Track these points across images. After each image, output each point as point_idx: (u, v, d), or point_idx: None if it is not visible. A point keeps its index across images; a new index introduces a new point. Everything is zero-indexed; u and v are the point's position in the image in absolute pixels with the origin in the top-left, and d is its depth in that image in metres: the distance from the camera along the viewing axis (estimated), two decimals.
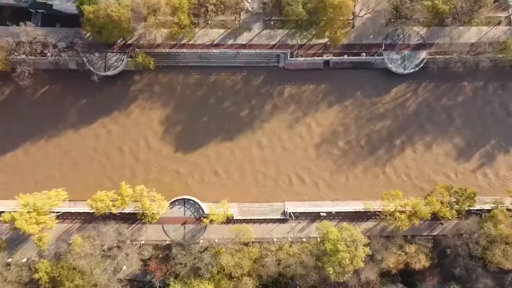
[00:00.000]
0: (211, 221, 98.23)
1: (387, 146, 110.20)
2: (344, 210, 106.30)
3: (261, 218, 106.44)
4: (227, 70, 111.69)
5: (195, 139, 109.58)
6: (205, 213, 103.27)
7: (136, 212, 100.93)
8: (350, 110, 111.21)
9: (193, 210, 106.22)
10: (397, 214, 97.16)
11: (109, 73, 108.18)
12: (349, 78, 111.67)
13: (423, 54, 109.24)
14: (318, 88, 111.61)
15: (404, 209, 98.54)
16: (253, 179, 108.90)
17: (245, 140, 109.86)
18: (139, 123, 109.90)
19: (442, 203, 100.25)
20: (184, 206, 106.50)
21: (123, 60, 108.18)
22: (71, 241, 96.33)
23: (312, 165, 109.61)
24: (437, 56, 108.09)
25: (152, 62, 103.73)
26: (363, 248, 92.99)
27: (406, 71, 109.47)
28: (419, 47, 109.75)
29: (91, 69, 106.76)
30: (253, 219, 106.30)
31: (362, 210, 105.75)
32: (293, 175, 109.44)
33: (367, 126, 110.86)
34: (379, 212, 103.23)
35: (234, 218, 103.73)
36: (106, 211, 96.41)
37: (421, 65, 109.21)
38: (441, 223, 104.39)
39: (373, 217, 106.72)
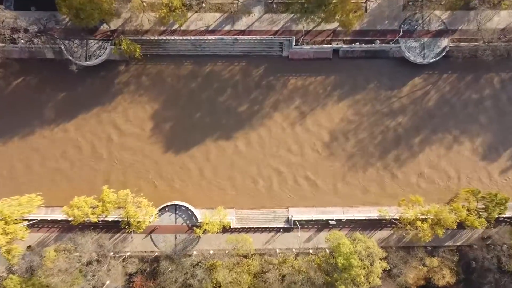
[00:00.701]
0: (204, 231, 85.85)
1: (404, 146, 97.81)
2: (356, 218, 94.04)
3: (262, 226, 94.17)
4: (224, 59, 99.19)
5: (188, 137, 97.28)
6: (199, 220, 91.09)
7: (120, 220, 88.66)
8: (362, 105, 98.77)
9: (185, 218, 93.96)
10: (418, 223, 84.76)
11: (90, 62, 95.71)
12: (361, 69, 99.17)
13: (445, 42, 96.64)
14: (326, 80, 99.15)
15: (426, 217, 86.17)
16: (253, 182, 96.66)
17: (244, 138, 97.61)
18: (125, 119, 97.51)
19: (468, 210, 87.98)
20: (175, 213, 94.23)
21: (106, 48, 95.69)
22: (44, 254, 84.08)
23: (319, 166, 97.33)
24: (461, 44, 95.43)
25: (138, 50, 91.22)
26: (379, 263, 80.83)
27: (426, 61, 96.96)
28: (440, 33, 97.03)
29: (70, 58, 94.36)
30: (253, 227, 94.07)
31: (377, 218, 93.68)
32: (298, 178, 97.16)
33: (381, 123, 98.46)
34: (396, 220, 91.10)
35: (231, 227, 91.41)
36: (85, 219, 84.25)
37: (443, 54, 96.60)
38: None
39: (389, 226, 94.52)
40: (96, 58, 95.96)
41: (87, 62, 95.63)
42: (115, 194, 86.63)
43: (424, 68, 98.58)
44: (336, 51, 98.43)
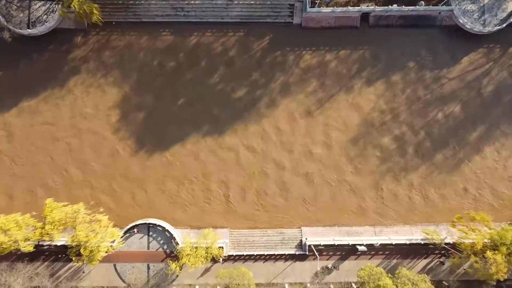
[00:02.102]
0: (182, 267, 60.93)
1: (455, 144, 72.95)
2: (393, 242, 69.16)
3: (266, 253, 69.33)
4: (215, 28, 74.24)
5: (166, 132, 72.53)
6: (179, 245, 66.21)
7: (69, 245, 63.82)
8: (400, 90, 73.88)
9: (161, 241, 69.09)
10: (489, 253, 59.77)
11: (34, 31, 70.92)
12: (399, 41, 74.33)
13: None
14: (352, 56, 74.23)
15: (498, 244, 61.17)
16: (253, 192, 71.87)
17: (242, 133, 72.83)
18: (82, 108, 72.69)
19: None
20: (148, 235, 69.35)
21: (55, 12, 70.90)
22: None
23: (341, 172, 72.48)
24: None
25: (96, 12, 66.58)
26: None
27: (487, 30, 72.08)
28: None
29: (5, 23, 69.62)
30: (253, 255, 69.30)
31: (421, 242, 68.87)
32: (313, 187, 72.25)
33: (424, 114, 73.57)
34: (449, 245, 66.54)
35: (224, 256, 66.59)
36: (16, 248, 59.58)
37: (510, 20, 71.79)
38: None
39: (438, 252, 69.73)
40: (41, 25, 71.09)
41: (30, 31, 70.81)
42: (62, 211, 61.93)
43: (484, 40, 73.65)
44: (365, 16, 73.54)
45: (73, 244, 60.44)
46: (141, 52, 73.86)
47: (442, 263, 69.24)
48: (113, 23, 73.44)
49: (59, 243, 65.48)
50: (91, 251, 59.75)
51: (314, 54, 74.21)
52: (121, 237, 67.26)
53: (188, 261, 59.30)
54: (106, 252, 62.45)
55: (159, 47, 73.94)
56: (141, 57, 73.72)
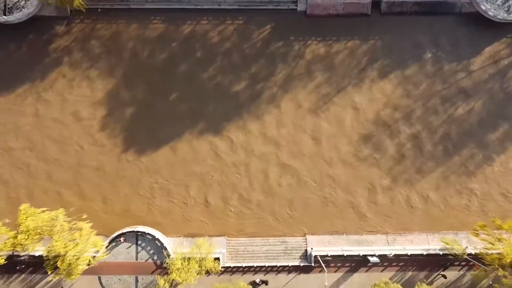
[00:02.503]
0: (173, 284, 54.05)
1: (476, 144, 66.04)
2: (409, 253, 62.20)
3: (267, 265, 62.41)
4: (211, 15, 67.50)
5: (158, 130, 65.74)
6: (170, 256, 59.30)
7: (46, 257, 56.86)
8: (415, 84, 67.04)
9: (151, 251, 62.20)
10: None
11: (11, 18, 64.20)
12: (414, 30, 67.52)
13: None
14: (362, 46, 67.44)
15: None
16: (253, 196, 64.95)
17: (241, 132, 66.03)
18: (64, 104, 65.92)
19: None
20: (137, 245, 62.45)
21: None
22: None
23: (351, 174, 65.58)
24: None
25: None
26: None
27: (511, 17, 65.32)
28: None
29: None
30: (253, 266, 62.34)
31: (440, 253, 61.98)
32: (319, 191, 65.33)
33: (442, 111, 66.69)
34: (472, 256, 59.66)
35: (220, 269, 59.60)
36: None
37: None
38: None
39: (457, 263, 62.75)
40: (19, 11, 64.35)
41: (6, 18, 64.12)
42: (38, 218, 55.08)
43: (508, 28, 66.80)
44: (376, 3, 66.86)
45: (50, 256, 53.45)
46: (130, 42, 66.99)
47: (444, 277, 62.36)
48: (99, 10, 66.78)
49: (37, 253, 58.85)
50: (69, 264, 52.75)
51: (321, 45, 67.33)
52: (106, 246, 60.44)
53: (179, 276, 52.26)
54: (88, 264, 55.47)
55: (149, 37, 67.06)
56: (130, 47, 66.87)
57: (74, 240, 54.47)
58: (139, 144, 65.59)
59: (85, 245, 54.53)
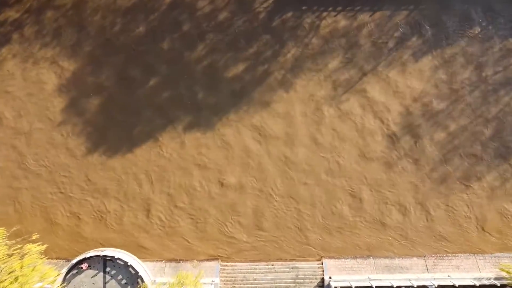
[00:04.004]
0: None
1: None
2: (456, 284, 48.12)
3: None
4: None
5: (134, 124, 51.70)
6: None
7: None
8: (458, 67, 53.09)
9: (123, 281, 48.09)
10: None
11: None
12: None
13: None
14: (392, 19, 53.58)
15: None
16: (252, 210, 50.90)
17: (239, 127, 52.00)
18: (15, 90, 51.85)
19: None
20: (105, 273, 48.32)
21: None
22: None
23: (377, 181, 51.53)
24: None
25: None
26: None
27: None
28: None
29: None
30: None
31: (497, 284, 47.96)
32: (337, 202, 51.28)
33: (493, 100, 52.78)
34: None
35: None
36: None
37: None
38: None
39: None
40: None
41: None
42: None
43: None
44: None
45: None
46: (97, 13, 52.95)
47: None
48: None
49: None
50: None
51: (340, 17, 53.28)
52: (65, 276, 46.46)
53: None
54: None
55: (122, 7, 53.07)
56: (97, 20, 52.81)
57: (12, 272, 40.25)
58: (110, 144, 51.54)
59: (28, 278, 40.30)
